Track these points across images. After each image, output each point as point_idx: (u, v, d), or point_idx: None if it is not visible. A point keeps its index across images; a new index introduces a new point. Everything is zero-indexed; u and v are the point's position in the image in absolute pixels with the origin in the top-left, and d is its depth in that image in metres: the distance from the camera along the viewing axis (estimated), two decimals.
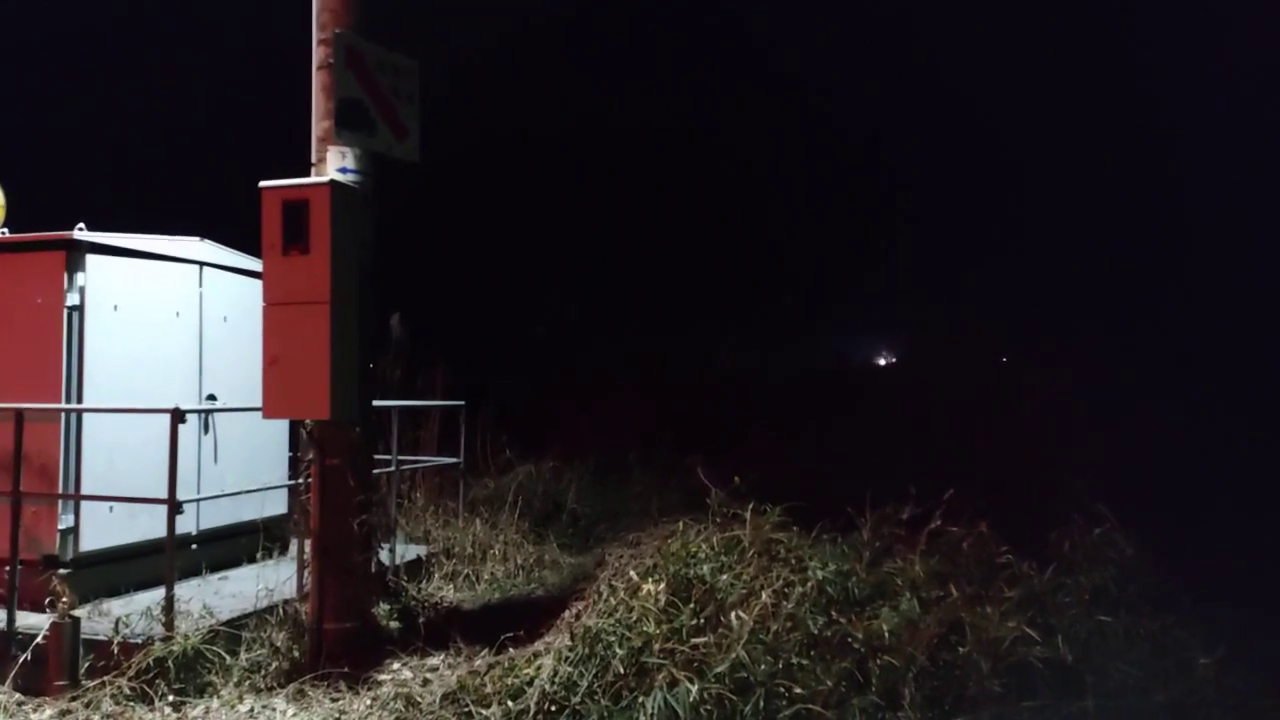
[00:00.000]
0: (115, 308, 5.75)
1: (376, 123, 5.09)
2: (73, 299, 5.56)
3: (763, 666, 3.93)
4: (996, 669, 3.98)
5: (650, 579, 4.54)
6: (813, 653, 4.06)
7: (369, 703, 4.21)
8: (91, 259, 5.63)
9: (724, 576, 4.60)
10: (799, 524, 5.21)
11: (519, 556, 7.03)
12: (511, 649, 4.61)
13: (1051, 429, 9.59)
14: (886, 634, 4.09)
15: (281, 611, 5.12)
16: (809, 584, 4.43)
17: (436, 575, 6.57)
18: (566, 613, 4.84)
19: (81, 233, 5.60)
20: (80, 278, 5.58)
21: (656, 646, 4.11)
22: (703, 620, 4.28)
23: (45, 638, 4.51)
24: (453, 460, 7.85)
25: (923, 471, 5.44)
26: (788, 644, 4.08)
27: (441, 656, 4.71)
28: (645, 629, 4.21)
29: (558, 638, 4.52)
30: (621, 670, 4.05)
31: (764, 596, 4.33)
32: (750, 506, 5.06)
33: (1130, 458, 8.21)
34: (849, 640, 4.09)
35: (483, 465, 9.55)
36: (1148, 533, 5.13)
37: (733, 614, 4.24)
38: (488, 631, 4.93)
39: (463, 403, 8.18)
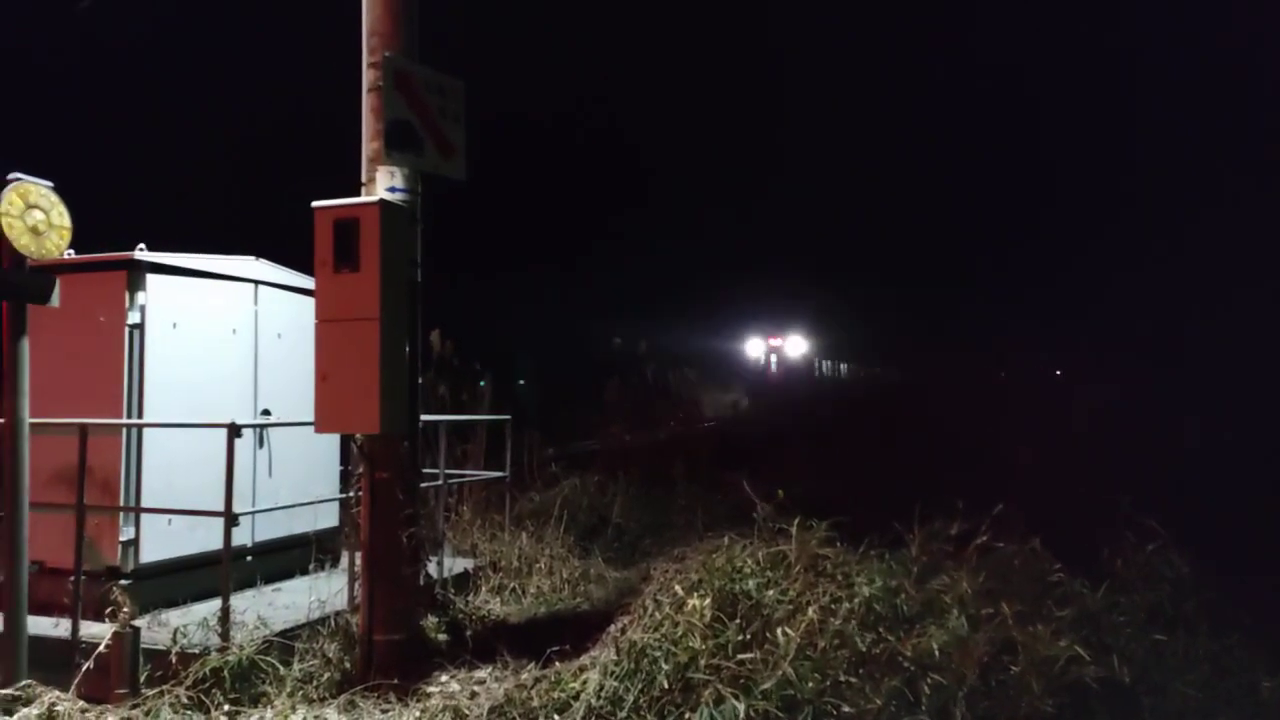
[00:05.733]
0: (174, 325, 5.92)
1: (424, 142, 5.18)
2: (134, 317, 5.75)
3: (810, 684, 3.90)
4: (1050, 689, 3.90)
5: (696, 594, 4.54)
6: (861, 670, 4.02)
7: (418, 714, 4.26)
8: (152, 278, 5.81)
9: (770, 592, 4.58)
10: (845, 539, 5.17)
11: (564, 570, 7.06)
12: (558, 663, 4.63)
13: (1103, 443, 9.37)
14: (936, 652, 4.03)
15: (333, 623, 5.20)
16: (856, 600, 4.39)
17: (483, 588, 6.63)
18: (612, 627, 4.85)
19: (142, 253, 5.79)
20: (141, 296, 5.77)
21: (702, 662, 4.10)
22: (749, 636, 4.26)
23: (107, 647, 4.64)
24: (499, 474, 7.93)
25: (971, 486, 5.36)
26: (835, 661, 4.04)
27: (489, 669, 4.75)
28: (691, 644, 4.20)
29: (603, 652, 4.53)
30: (667, 686, 4.05)
31: (811, 613, 4.30)
32: (796, 521, 5.04)
33: (1183, 472, 8.00)
34: (898, 658, 4.05)
35: (528, 479, 9.63)
36: (1203, 550, 5.00)
37: (779, 630, 4.21)
38: (534, 645, 4.96)
39: (508, 417, 8.26)
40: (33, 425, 4.69)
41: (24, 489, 4.68)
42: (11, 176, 4.80)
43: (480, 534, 7.61)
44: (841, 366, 45.80)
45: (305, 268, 6.30)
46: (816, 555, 4.83)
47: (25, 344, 4.78)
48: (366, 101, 5.18)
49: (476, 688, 4.47)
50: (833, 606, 4.36)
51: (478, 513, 7.95)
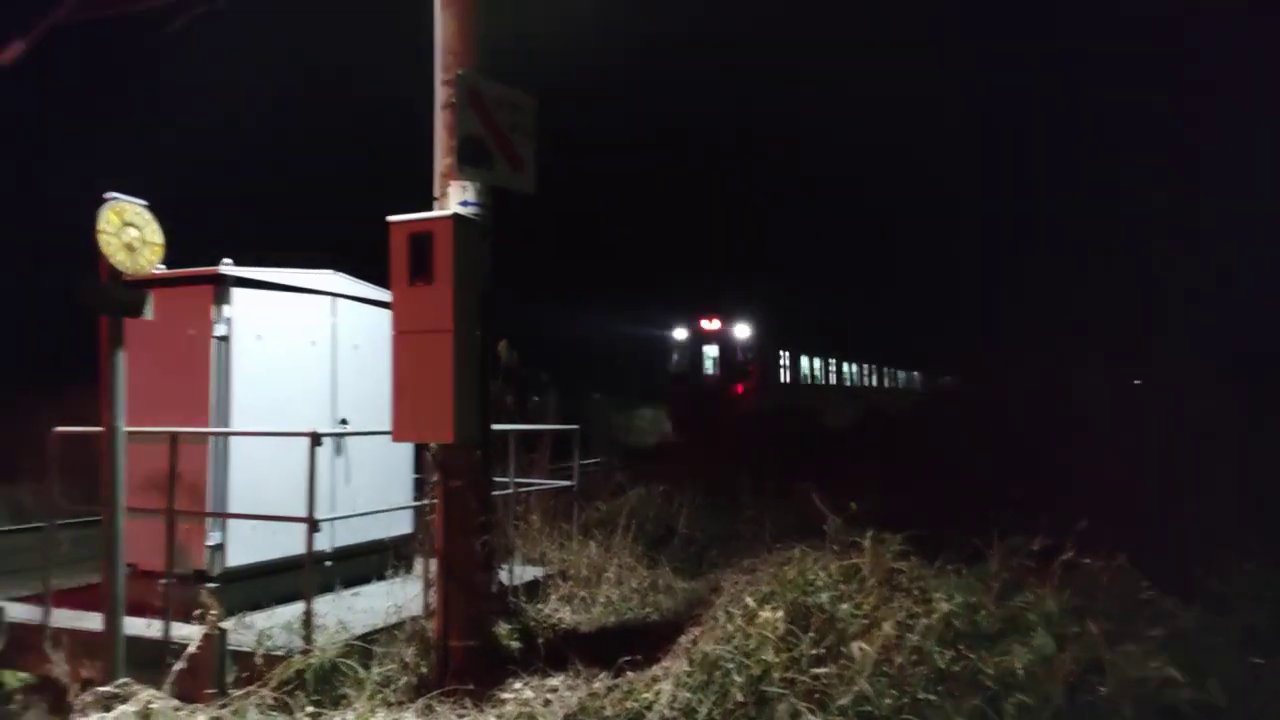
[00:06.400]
0: (258, 337, 6.13)
1: (495, 157, 5.27)
2: (220, 329, 5.96)
3: (888, 700, 3.83)
4: (1140, 712, 3.75)
5: (768, 606, 4.50)
6: (940, 688, 3.92)
7: None
8: (237, 292, 6.03)
9: (843, 606, 4.51)
10: (920, 554, 5.06)
11: (633, 580, 7.06)
12: (629, 673, 4.63)
13: (1193, 456, 8.99)
14: (1020, 671, 3.92)
15: (409, 628, 5.30)
16: (934, 616, 4.29)
17: (553, 596, 6.67)
18: (683, 638, 4.84)
19: (228, 268, 6.00)
20: (227, 310, 5.98)
21: (776, 675, 4.06)
22: (823, 650, 4.21)
23: (197, 648, 4.81)
24: (567, 483, 7.98)
25: (1052, 500, 5.21)
26: (914, 678, 3.96)
27: (561, 677, 4.77)
28: (764, 657, 4.17)
29: (675, 663, 4.53)
30: (741, 698, 4.02)
31: (887, 628, 4.22)
32: (869, 535, 4.96)
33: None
34: (979, 676, 3.94)
35: (595, 488, 9.67)
36: None
37: (854, 645, 4.15)
38: (605, 654, 4.98)
39: (576, 427, 8.32)
40: (127, 433, 4.90)
41: (121, 495, 4.89)
42: (108, 196, 5.04)
43: (549, 542, 7.67)
44: (848, 368, 32.80)
45: (380, 280, 6.45)
46: (891, 569, 4.74)
47: (121, 356, 5.00)
48: (440, 118, 5.29)
49: (550, 695, 4.50)
50: (909, 622, 4.27)
51: (546, 521, 8.02)
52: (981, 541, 4.96)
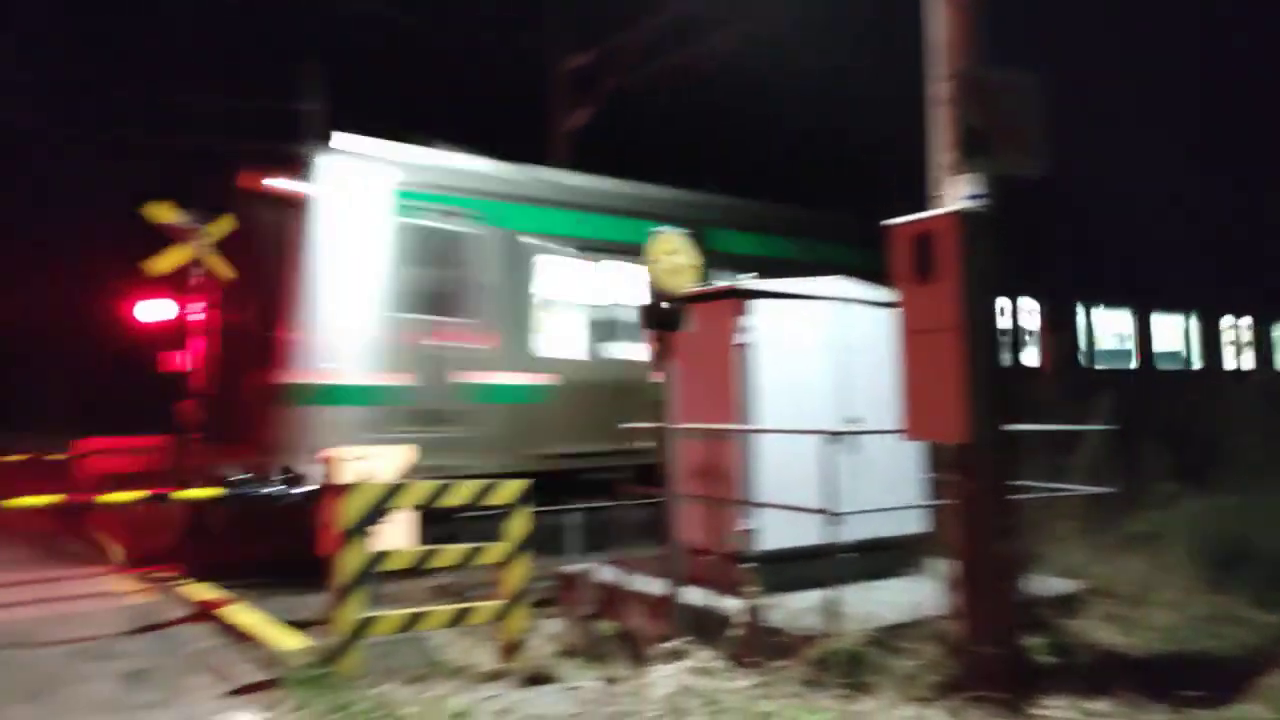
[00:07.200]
0: (775, 343, 6.66)
1: (1000, 146, 5.05)
2: (744, 337, 6.62)
3: None
4: None
5: None
6: None
7: None
8: (757, 303, 6.63)
9: None
10: None
11: (1192, 605, 6.05)
12: (1194, 709, 4.01)
13: None
14: None
15: (928, 627, 5.27)
16: None
17: (1089, 614, 6.04)
18: (1265, 679, 4.02)
19: (751, 282, 6.65)
20: (749, 320, 6.62)
21: None
22: None
23: (740, 620, 5.40)
24: (1104, 490, 7.15)
25: None
26: None
27: (1103, 702, 4.32)
28: None
29: (1253, 706, 3.79)
30: None
31: None
32: None
33: None
34: None
35: (1140, 495, 8.47)
36: None
37: None
38: (1156, 684, 4.38)
39: (1115, 427, 7.41)
40: (680, 430, 5.73)
41: (680, 482, 5.73)
42: (653, 230, 5.99)
43: (1083, 554, 6.96)
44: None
45: (882, 283, 6.55)
46: None
47: (673, 365, 5.89)
48: (938, 114, 5.22)
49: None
50: None
51: (1078, 531, 7.28)
52: None
